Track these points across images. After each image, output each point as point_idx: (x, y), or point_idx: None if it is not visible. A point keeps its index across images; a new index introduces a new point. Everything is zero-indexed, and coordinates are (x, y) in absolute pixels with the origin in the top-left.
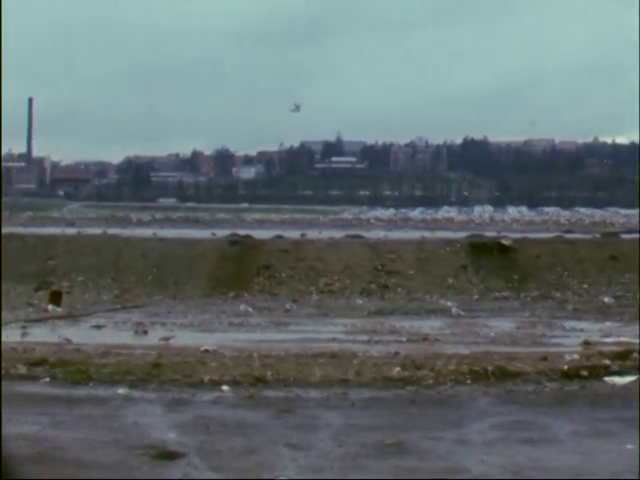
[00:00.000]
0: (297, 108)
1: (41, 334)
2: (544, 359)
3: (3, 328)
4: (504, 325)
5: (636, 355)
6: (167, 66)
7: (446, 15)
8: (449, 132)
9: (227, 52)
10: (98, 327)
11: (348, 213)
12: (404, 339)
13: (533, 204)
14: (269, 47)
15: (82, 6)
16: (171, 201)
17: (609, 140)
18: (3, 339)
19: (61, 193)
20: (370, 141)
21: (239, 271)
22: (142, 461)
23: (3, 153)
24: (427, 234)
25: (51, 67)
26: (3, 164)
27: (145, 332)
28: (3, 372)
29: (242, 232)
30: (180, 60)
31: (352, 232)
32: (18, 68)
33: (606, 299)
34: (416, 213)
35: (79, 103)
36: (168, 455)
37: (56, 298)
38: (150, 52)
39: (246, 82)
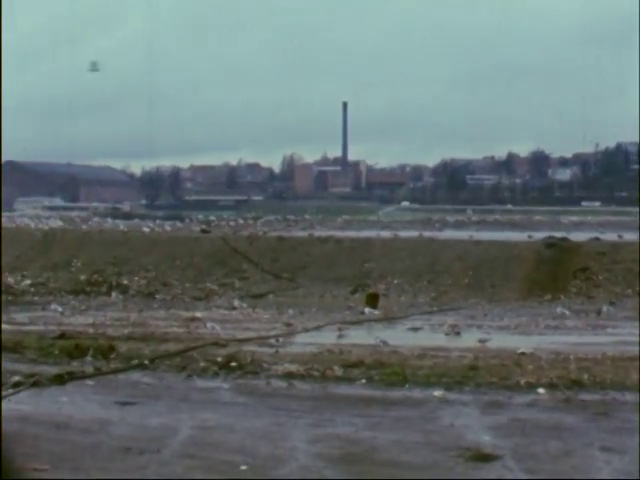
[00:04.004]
0: (94, 67)
1: (357, 336)
2: None
3: (321, 330)
4: None
5: None
6: (489, 68)
7: None
8: None
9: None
10: (414, 329)
11: None
12: None
13: None
14: (597, 47)
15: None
16: (596, 204)
17: None
18: (320, 341)
19: (376, 196)
20: None
21: (555, 274)
22: (456, 462)
23: (318, 157)
24: None
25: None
26: (319, 168)
27: (458, 334)
28: (319, 374)
29: (558, 234)
30: (503, 62)
31: None
32: (333, 75)
33: None
34: None
35: (399, 107)
36: (483, 457)
37: (373, 300)
38: (473, 54)
39: (567, 84)
